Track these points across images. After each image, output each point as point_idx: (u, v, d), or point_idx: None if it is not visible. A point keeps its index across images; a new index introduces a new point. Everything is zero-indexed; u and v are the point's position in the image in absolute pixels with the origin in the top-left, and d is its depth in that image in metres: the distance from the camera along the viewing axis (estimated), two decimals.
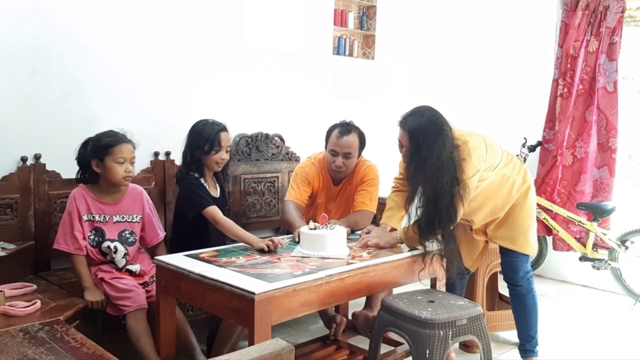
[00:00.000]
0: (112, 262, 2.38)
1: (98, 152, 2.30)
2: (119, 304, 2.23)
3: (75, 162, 2.38)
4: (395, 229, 2.48)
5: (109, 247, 2.36)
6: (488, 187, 2.38)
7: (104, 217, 2.37)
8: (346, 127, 2.78)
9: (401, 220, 2.58)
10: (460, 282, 2.64)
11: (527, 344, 2.61)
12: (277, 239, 2.32)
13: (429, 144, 2.17)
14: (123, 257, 2.38)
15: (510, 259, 2.55)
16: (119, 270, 2.37)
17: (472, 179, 2.25)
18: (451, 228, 2.24)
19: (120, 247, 2.38)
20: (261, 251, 2.24)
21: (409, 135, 2.23)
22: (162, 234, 2.55)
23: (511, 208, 2.46)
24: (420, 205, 2.27)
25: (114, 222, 2.39)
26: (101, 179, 2.35)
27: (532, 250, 2.51)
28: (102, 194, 2.38)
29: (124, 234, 2.42)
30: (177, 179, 2.67)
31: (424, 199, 2.25)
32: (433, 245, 2.31)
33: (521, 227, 2.48)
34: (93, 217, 2.35)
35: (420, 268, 2.29)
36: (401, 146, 2.31)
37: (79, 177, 2.40)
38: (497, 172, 2.39)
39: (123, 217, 2.42)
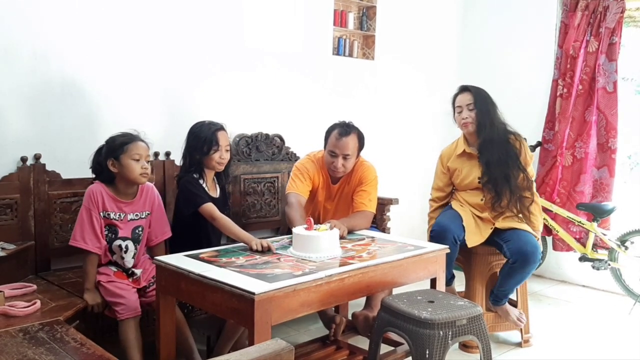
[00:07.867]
0: (116, 263, 2.37)
1: (113, 151, 2.30)
2: (113, 308, 2.23)
3: (90, 170, 2.37)
4: None
5: (119, 246, 2.35)
6: None
7: (119, 215, 2.36)
8: (345, 128, 2.78)
9: None
10: (452, 252, 2.74)
11: (504, 298, 2.88)
12: (271, 244, 2.28)
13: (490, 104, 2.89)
14: (132, 257, 2.38)
15: (521, 234, 2.77)
16: (123, 272, 2.36)
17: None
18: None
19: (131, 247, 2.38)
20: (256, 251, 2.25)
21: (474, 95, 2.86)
22: (169, 231, 2.54)
23: None
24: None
25: (129, 220, 2.39)
26: (117, 178, 2.34)
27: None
28: (118, 193, 2.37)
29: (137, 231, 2.41)
30: (177, 181, 2.68)
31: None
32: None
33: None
34: (108, 214, 2.33)
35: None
36: (460, 111, 2.85)
37: (93, 180, 2.39)
38: None
39: (137, 215, 2.42)
